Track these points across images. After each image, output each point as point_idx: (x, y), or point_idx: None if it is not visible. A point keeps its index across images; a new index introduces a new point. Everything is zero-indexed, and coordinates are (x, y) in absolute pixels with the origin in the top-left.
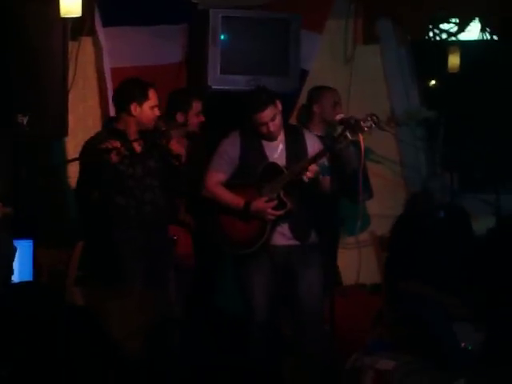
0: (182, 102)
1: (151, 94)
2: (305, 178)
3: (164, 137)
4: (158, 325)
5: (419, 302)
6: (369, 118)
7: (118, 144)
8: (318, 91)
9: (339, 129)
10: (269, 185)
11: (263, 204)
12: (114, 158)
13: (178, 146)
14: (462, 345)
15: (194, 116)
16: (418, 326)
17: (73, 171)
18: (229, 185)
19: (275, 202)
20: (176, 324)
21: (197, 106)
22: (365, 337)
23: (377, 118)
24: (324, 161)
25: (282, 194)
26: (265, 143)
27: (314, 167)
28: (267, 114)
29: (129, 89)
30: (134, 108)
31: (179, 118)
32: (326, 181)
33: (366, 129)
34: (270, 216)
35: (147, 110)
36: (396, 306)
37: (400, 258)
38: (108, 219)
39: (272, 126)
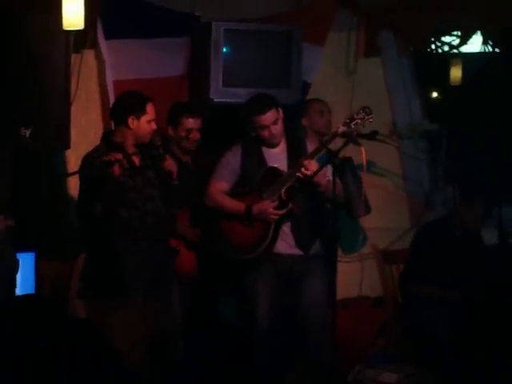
0: (172, 116)
1: (149, 108)
2: (300, 175)
3: (158, 151)
4: (160, 337)
5: (426, 311)
6: (361, 111)
7: (120, 156)
8: (305, 104)
9: (340, 140)
10: (269, 188)
11: (265, 205)
12: (117, 170)
13: (169, 163)
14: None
15: (184, 132)
16: (423, 338)
17: (74, 183)
18: (230, 194)
19: (276, 203)
20: (178, 336)
21: (187, 122)
22: (367, 349)
23: (369, 109)
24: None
25: (282, 194)
26: (266, 152)
27: (311, 163)
28: (269, 116)
29: (127, 102)
30: (132, 121)
31: (170, 131)
32: (329, 183)
33: (359, 121)
34: (273, 216)
35: (144, 123)
36: (403, 317)
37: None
38: (111, 231)
39: (274, 129)
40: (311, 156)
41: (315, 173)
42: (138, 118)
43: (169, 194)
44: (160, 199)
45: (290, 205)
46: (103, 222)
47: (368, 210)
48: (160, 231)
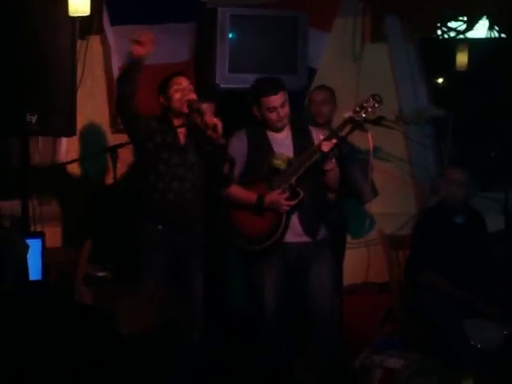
0: None
1: (173, 81)
2: (324, 149)
3: (197, 113)
4: (170, 325)
5: (431, 297)
6: (371, 98)
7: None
8: (311, 91)
9: (347, 127)
10: (278, 177)
11: (277, 196)
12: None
13: (211, 118)
14: (472, 343)
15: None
16: (428, 323)
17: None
18: (239, 182)
19: (288, 193)
20: (194, 328)
21: (206, 107)
22: (373, 335)
23: (379, 97)
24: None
25: (293, 184)
26: (271, 137)
27: (328, 142)
28: (279, 97)
29: (159, 85)
30: (163, 100)
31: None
32: (336, 170)
33: (369, 109)
34: (285, 207)
35: (172, 95)
36: (408, 301)
37: (422, 254)
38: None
39: (281, 112)
40: (327, 138)
41: (332, 150)
42: (166, 94)
43: (215, 155)
44: (191, 184)
45: (302, 194)
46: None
47: (375, 193)
48: (182, 213)
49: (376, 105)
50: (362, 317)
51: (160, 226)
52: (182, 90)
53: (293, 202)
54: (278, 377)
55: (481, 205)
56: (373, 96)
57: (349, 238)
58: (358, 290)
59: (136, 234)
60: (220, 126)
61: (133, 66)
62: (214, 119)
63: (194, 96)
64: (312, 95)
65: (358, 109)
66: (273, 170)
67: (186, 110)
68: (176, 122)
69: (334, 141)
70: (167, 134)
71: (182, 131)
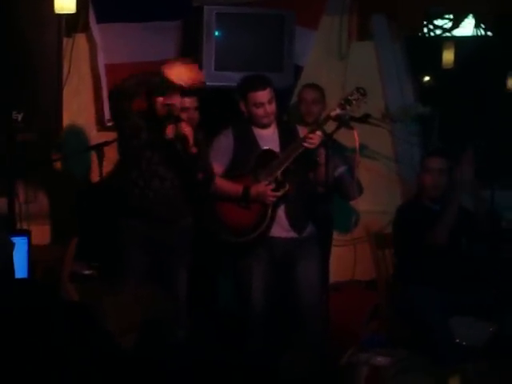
0: None
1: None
2: (307, 145)
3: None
4: (155, 322)
5: (418, 294)
6: (355, 92)
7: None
8: (302, 89)
9: (333, 123)
10: (264, 170)
11: (263, 187)
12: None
13: (185, 127)
14: (458, 340)
15: (184, 112)
16: (414, 320)
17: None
18: (225, 176)
19: (273, 185)
20: (179, 325)
21: (187, 101)
22: (360, 332)
23: (363, 90)
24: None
25: (279, 176)
26: (257, 133)
27: (316, 134)
28: (266, 93)
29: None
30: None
31: None
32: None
33: (354, 102)
34: (271, 198)
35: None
36: (395, 299)
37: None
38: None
39: (268, 108)
40: (315, 128)
41: (319, 144)
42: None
43: (188, 165)
44: (170, 182)
45: (287, 186)
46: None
47: (360, 190)
48: (163, 210)
49: (360, 97)
50: (349, 314)
51: (140, 223)
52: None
53: (278, 193)
54: (265, 373)
55: (467, 202)
56: (357, 89)
57: (335, 236)
58: (345, 287)
59: (118, 232)
60: (190, 138)
61: None
62: (186, 129)
63: (177, 100)
64: (303, 94)
65: (342, 102)
66: (263, 164)
67: (164, 113)
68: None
69: (319, 133)
70: (152, 132)
71: (169, 131)
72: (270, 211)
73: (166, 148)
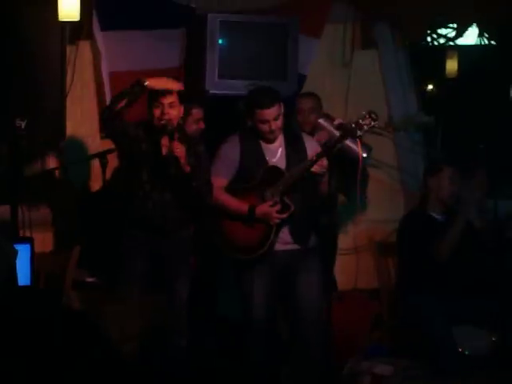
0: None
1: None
2: (315, 170)
3: (169, 136)
4: (156, 331)
5: (421, 304)
6: (367, 116)
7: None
8: (298, 99)
9: (337, 133)
10: (270, 188)
11: (268, 208)
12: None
13: (178, 146)
14: (460, 350)
15: (193, 123)
16: (417, 330)
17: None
18: (230, 190)
19: (279, 206)
20: (180, 334)
21: (196, 112)
22: (362, 342)
23: (375, 114)
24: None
25: (285, 197)
26: (264, 146)
27: (319, 165)
28: (273, 111)
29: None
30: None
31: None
32: (324, 184)
33: (365, 127)
34: (276, 220)
35: (154, 110)
36: (397, 308)
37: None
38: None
39: (274, 125)
40: (315, 162)
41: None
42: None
43: (182, 183)
44: (171, 195)
45: (293, 208)
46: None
47: (364, 207)
48: (161, 221)
49: (372, 123)
50: (351, 323)
51: (139, 233)
52: (163, 108)
53: (284, 216)
54: (266, 383)
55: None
56: (369, 113)
57: (338, 245)
58: (347, 296)
59: (118, 240)
60: (182, 158)
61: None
62: (178, 150)
63: (174, 113)
64: (300, 104)
65: (353, 125)
66: (269, 182)
67: (160, 127)
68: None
69: (325, 161)
70: (151, 144)
71: (165, 143)
72: (274, 230)
73: (164, 160)
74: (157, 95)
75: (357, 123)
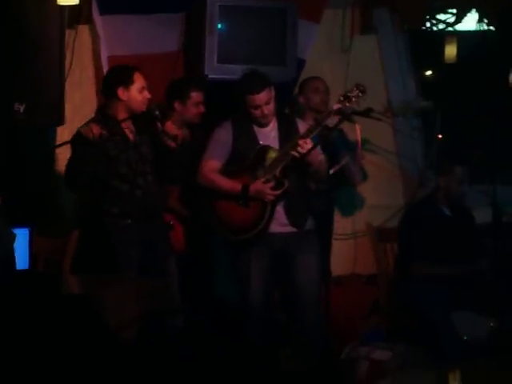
0: (181, 91)
1: (136, 76)
2: (296, 154)
3: (157, 120)
4: (156, 314)
5: (420, 289)
6: (355, 88)
7: (97, 130)
8: (302, 82)
9: (336, 118)
10: (263, 167)
11: (262, 185)
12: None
13: (173, 128)
14: (459, 335)
15: (193, 106)
16: (416, 315)
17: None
18: (223, 172)
19: (273, 183)
20: (177, 312)
21: (196, 96)
22: (360, 327)
23: (363, 86)
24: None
25: (278, 174)
26: (257, 130)
27: (306, 142)
28: (263, 96)
29: (114, 74)
30: (122, 92)
31: (177, 107)
32: (321, 161)
33: (353, 99)
34: (270, 196)
35: (135, 92)
36: (396, 293)
37: (412, 245)
38: (101, 205)
39: (266, 110)
40: (306, 135)
41: (309, 151)
42: (127, 87)
43: (171, 161)
44: (152, 176)
45: (287, 184)
46: (93, 195)
47: (365, 177)
48: (150, 207)
49: (360, 94)
50: (349, 308)
51: (129, 221)
52: (144, 89)
53: (278, 192)
54: (264, 366)
55: (469, 197)
56: (357, 86)
57: (336, 230)
58: (345, 281)
59: (108, 232)
60: (180, 136)
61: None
62: (175, 130)
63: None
64: (316, 85)
65: (342, 98)
66: (261, 161)
67: (143, 109)
68: (120, 116)
69: (309, 141)
70: (117, 139)
71: (126, 125)
72: (268, 209)
73: (135, 145)
74: (133, 72)
75: (345, 95)
